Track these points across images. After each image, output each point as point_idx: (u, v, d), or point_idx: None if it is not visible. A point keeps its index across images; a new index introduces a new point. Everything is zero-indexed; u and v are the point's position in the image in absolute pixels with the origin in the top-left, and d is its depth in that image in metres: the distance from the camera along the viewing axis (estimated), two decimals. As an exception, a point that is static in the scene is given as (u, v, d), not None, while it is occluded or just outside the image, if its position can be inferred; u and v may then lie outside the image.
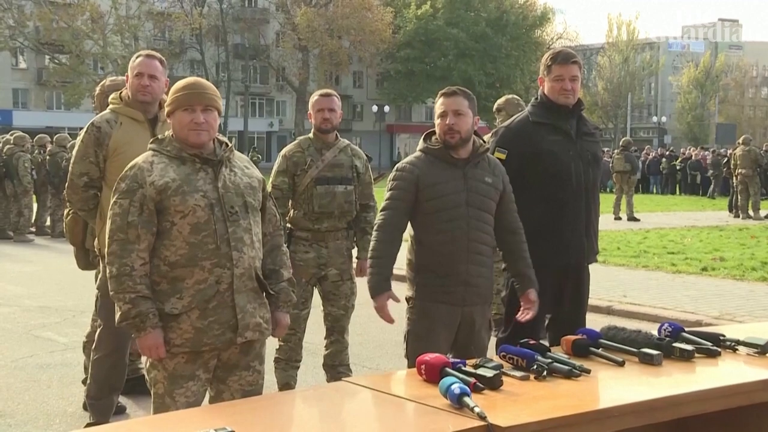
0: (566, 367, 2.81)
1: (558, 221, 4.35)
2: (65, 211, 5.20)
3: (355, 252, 5.35)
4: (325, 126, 5.08)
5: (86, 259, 5.15)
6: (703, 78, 67.36)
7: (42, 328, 7.70)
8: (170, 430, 2.52)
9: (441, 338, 3.93)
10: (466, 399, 2.45)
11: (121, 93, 4.73)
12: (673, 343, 3.10)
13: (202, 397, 3.41)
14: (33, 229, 15.77)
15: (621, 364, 2.95)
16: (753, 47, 78.06)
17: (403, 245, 4.04)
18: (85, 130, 4.67)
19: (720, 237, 14.92)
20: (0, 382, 5.98)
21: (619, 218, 18.44)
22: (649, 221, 18.31)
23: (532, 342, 3.01)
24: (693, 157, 31.89)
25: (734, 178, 20.09)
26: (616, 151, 21.83)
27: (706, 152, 32.06)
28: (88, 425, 4.68)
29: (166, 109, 3.40)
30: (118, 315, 3.26)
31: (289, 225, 5.11)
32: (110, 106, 4.73)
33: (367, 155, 5.38)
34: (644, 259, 11.72)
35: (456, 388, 2.48)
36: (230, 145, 3.44)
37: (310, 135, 5.18)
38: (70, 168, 4.72)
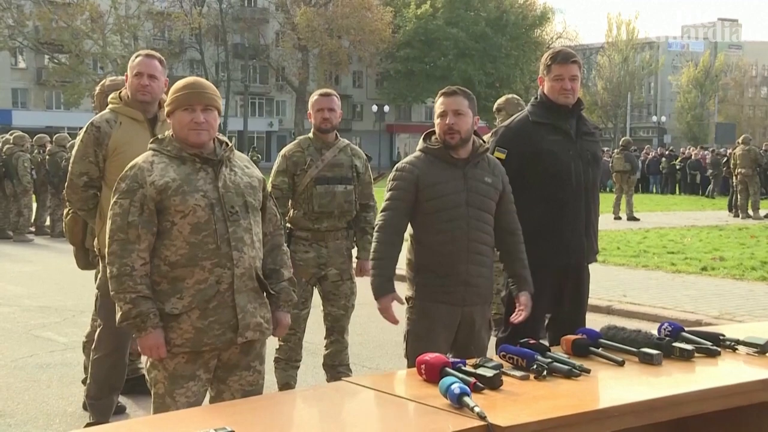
0: (566, 367, 2.81)
1: (558, 221, 4.35)
2: (65, 211, 5.20)
3: (355, 252, 5.35)
4: (325, 126, 5.07)
5: (86, 259, 5.15)
6: (703, 78, 67.35)
7: (42, 328, 7.70)
8: (170, 430, 2.52)
9: (441, 338, 3.93)
10: (466, 399, 2.45)
11: (120, 93, 4.73)
12: (673, 342, 3.10)
13: (203, 397, 3.41)
14: (32, 229, 15.77)
15: (621, 363, 2.96)
16: (752, 47, 78.02)
17: (403, 245, 4.04)
18: (84, 129, 4.67)
19: (720, 237, 14.92)
20: (0, 382, 5.98)
21: (619, 218, 18.46)
22: (649, 221, 18.31)
23: (532, 342, 3.01)
24: (692, 157, 31.89)
25: (734, 177, 20.10)
26: (615, 150, 21.85)
27: (706, 152, 32.07)
28: (88, 425, 4.67)
29: (166, 109, 3.40)
30: (118, 315, 3.26)
31: (288, 225, 5.11)
32: (110, 106, 4.73)
33: (366, 155, 5.38)
34: (644, 259, 11.72)
35: (456, 387, 2.48)
36: (230, 144, 3.44)
37: (310, 135, 5.18)
38: (69, 168, 4.72)
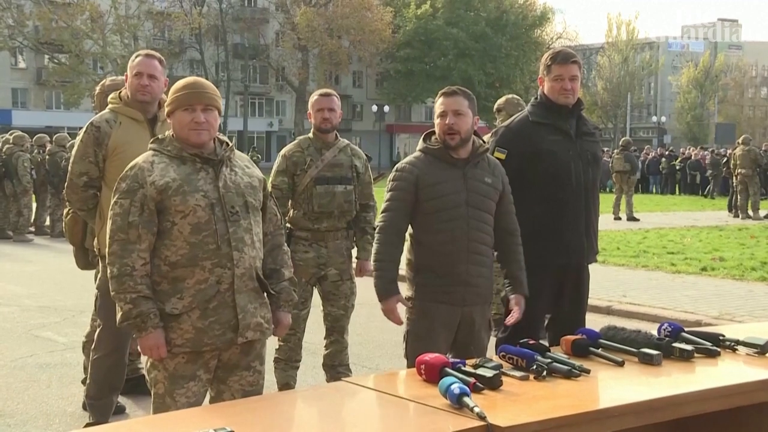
0: (566, 367, 2.81)
1: (558, 221, 4.35)
2: (65, 211, 5.21)
3: (354, 252, 5.35)
4: (325, 126, 5.08)
5: (85, 259, 5.15)
6: (703, 78, 67.36)
7: (42, 328, 7.70)
8: (170, 430, 2.52)
9: (441, 338, 3.93)
10: (466, 399, 2.45)
11: (120, 93, 4.73)
12: (673, 343, 3.10)
13: (203, 397, 3.41)
14: (32, 229, 15.77)
15: (621, 364, 2.96)
16: (752, 47, 78.04)
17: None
18: (84, 129, 4.67)
19: (719, 237, 14.92)
20: (0, 382, 5.98)
21: (619, 218, 18.45)
22: (649, 221, 18.31)
23: (531, 342, 3.01)
24: (692, 157, 31.89)
25: (734, 178, 20.10)
26: (615, 150, 21.84)
27: (706, 152, 32.06)
28: (88, 425, 4.67)
29: (166, 109, 3.40)
30: (119, 315, 3.26)
31: (288, 225, 5.11)
32: (109, 106, 4.73)
33: (366, 155, 5.38)
34: (644, 259, 11.72)
35: (456, 388, 2.48)
36: (231, 144, 3.44)
37: (310, 135, 5.19)
38: (69, 168, 4.72)
